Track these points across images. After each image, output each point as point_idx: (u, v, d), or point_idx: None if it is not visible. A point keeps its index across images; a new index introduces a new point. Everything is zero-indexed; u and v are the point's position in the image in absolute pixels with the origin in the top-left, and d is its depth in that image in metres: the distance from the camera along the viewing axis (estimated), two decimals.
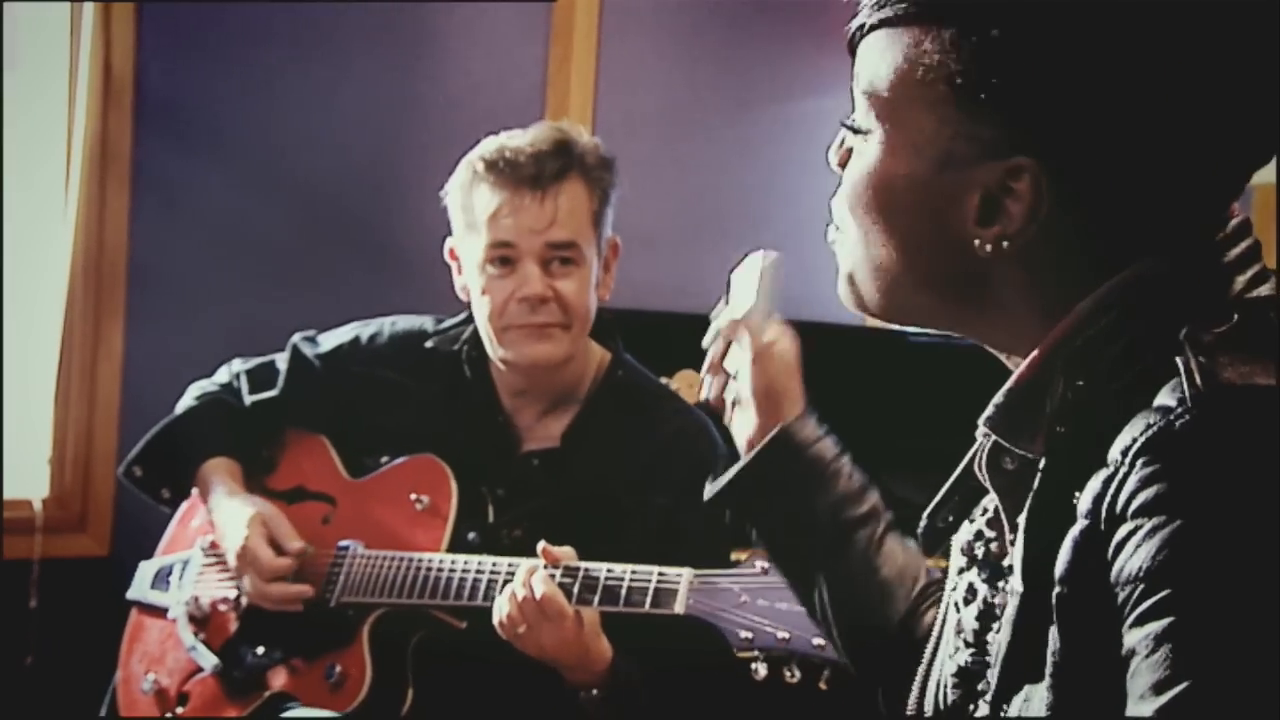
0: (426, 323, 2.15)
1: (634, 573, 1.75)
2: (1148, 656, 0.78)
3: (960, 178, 0.92)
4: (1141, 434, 0.82)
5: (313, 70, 3.13)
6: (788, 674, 1.65)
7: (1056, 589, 0.85)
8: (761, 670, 1.64)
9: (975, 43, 0.89)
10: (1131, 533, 0.80)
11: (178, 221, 3.03)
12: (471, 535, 1.97)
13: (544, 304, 1.94)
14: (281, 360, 2.18)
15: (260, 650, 2.00)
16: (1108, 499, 0.82)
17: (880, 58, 0.95)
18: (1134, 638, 0.80)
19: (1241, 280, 0.91)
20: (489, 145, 1.98)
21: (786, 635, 1.64)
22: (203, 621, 2.07)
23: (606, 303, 2.08)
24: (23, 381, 2.88)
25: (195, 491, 2.17)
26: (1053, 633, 0.86)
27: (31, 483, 2.93)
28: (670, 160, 3.42)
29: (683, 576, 1.72)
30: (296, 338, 2.20)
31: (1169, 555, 0.78)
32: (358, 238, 3.16)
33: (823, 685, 1.65)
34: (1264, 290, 0.91)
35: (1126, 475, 0.81)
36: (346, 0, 3.13)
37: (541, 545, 1.79)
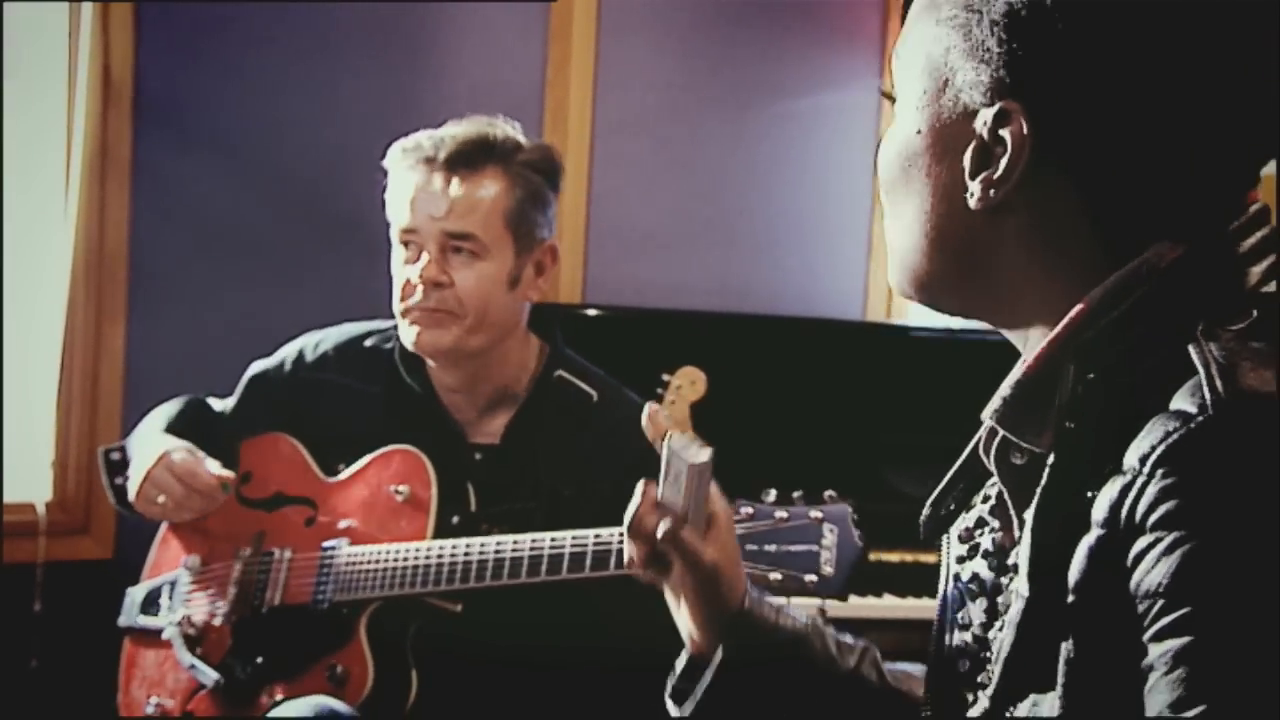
0: (371, 326, 2.17)
1: (622, 535, 1.75)
2: (1166, 674, 0.78)
3: (961, 128, 0.92)
4: (1161, 441, 0.80)
5: (312, 71, 3.13)
6: None
7: (1071, 597, 0.84)
8: None
9: None
10: (1151, 545, 0.79)
11: (178, 223, 3.03)
12: (455, 520, 1.99)
13: (437, 288, 1.96)
14: (240, 385, 2.22)
15: (260, 660, 2.00)
16: (1125, 508, 0.81)
17: (912, 23, 0.97)
18: (1153, 653, 0.79)
19: (1257, 271, 0.89)
20: (414, 135, 2.01)
21: (779, 576, 1.64)
22: (198, 639, 2.06)
23: (544, 300, 2.11)
24: (25, 385, 2.88)
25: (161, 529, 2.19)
26: (1066, 642, 0.84)
27: (34, 486, 2.93)
28: (669, 159, 3.42)
29: None
30: (252, 364, 2.23)
31: (1189, 572, 0.77)
32: (358, 238, 3.15)
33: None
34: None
35: (1145, 485, 0.80)
36: (345, 0, 3.13)
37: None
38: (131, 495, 2.02)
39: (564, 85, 3.29)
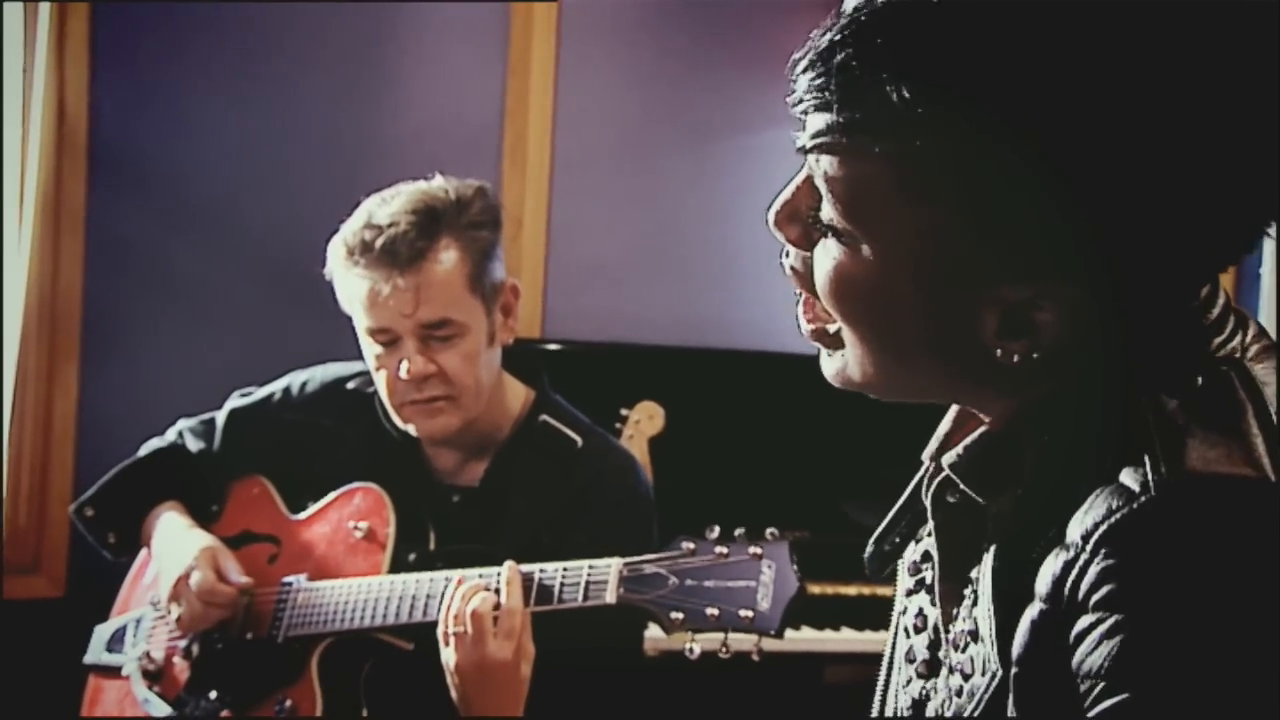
0: (356, 367, 2.14)
1: (565, 569, 1.76)
2: None
3: (973, 296, 0.85)
4: (1104, 519, 0.80)
5: (268, 112, 3.13)
6: (721, 651, 1.66)
7: (1014, 669, 0.84)
8: (696, 649, 1.66)
9: (971, 159, 0.81)
10: (1093, 625, 0.79)
11: (131, 265, 3.02)
12: (412, 557, 1.99)
13: (427, 380, 1.94)
14: (220, 416, 2.21)
15: (213, 695, 1.99)
16: (1069, 584, 0.81)
17: (852, 169, 0.85)
18: None
19: (1218, 340, 0.89)
20: (354, 224, 1.95)
21: (715, 611, 1.65)
22: (156, 675, 2.06)
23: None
24: None
25: (144, 551, 2.17)
26: (1008, 712, 0.85)
27: None
28: (629, 192, 3.43)
29: (611, 567, 1.73)
30: (234, 394, 2.22)
31: (1129, 657, 0.78)
32: (311, 283, 3.15)
33: (754, 657, 1.67)
34: (1233, 344, 0.89)
35: (1088, 563, 0.80)
36: (300, 41, 3.13)
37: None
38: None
39: (523, 118, 3.30)
